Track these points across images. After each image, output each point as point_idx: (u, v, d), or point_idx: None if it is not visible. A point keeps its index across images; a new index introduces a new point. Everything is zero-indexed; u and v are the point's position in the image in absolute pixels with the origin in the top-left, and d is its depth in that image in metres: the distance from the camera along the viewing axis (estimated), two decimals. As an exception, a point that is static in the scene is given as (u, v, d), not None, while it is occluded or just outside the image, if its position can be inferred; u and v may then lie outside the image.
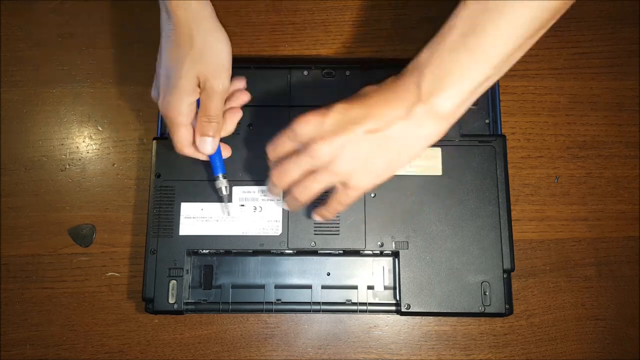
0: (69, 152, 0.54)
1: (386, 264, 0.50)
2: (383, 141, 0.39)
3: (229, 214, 0.49)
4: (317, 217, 0.46)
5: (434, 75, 0.37)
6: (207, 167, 0.49)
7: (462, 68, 0.37)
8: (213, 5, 0.44)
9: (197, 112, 0.44)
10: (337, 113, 0.39)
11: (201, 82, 0.43)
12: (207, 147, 0.44)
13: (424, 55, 0.38)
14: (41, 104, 0.55)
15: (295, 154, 0.40)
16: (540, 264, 0.52)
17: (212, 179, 0.48)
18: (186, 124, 0.44)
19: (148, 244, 0.48)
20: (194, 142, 0.45)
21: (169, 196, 0.49)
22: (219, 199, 0.48)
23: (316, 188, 0.41)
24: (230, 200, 0.49)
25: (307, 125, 0.39)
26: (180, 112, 0.43)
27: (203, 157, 0.46)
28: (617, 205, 0.53)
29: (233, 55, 0.44)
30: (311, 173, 0.40)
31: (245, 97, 0.48)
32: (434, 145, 0.49)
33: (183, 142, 0.44)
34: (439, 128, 0.39)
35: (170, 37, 0.43)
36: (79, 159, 0.54)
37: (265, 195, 0.49)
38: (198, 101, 0.44)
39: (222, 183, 0.47)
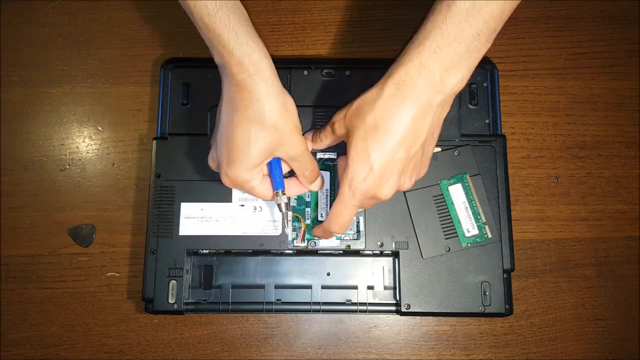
0: (69, 152, 0.54)
1: (386, 264, 0.50)
2: (420, 150, 0.41)
3: (287, 227, 0.47)
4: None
5: (442, 65, 0.38)
6: (207, 168, 0.49)
7: (461, 54, 0.38)
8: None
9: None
10: (380, 157, 0.39)
11: (281, 155, 0.43)
12: (318, 186, 0.47)
13: (420, 52, 0.39)
14: (41, 104, 0.55)
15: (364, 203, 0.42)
16: (540, 264, 0.52)
17: (217, 180, 0.48)
18: (260, 182, 0.43)
19: (148, 244, 0.48)
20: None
21: (169, 196, 0.49)
22: (280, 212, 0.46)
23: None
24: (289, 210, 0.47)
25: (364, 182, 0.40)
26: (251, 180, 0.43)
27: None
28: (617, 205, 0.53)
29: None
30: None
31: None
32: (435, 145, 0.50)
33: (265, 194, 0.44)
34: (450, 102, 0.41)
35: (235, 107, 0.41)
36: (79, 159, 0.54)
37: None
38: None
39: (282, 199, 0.45)
